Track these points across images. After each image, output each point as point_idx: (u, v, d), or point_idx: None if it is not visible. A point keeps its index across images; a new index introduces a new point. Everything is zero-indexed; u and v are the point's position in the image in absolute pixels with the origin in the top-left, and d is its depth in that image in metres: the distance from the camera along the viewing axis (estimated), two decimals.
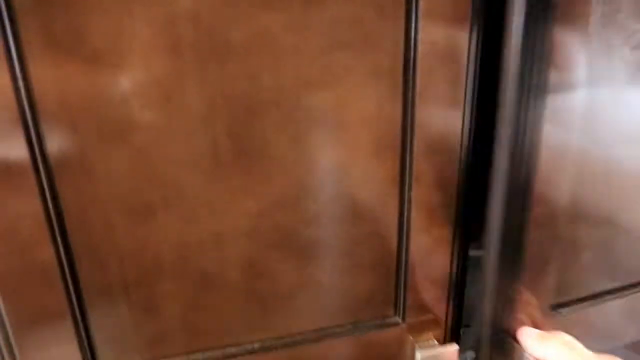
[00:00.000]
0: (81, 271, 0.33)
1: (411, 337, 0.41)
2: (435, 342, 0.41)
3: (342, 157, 0.35)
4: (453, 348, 0.41)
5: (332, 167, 0.35)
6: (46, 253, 0.32)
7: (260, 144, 0.33)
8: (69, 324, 0.33)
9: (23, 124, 0.29)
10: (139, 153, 0.32)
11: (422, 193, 0.37)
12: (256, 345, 0.39)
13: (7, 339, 0.34)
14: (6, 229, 0.31)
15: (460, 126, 0.36)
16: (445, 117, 0.36)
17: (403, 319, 0.41)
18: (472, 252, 0.45)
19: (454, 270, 0.41)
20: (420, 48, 0.33)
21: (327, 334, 0.40)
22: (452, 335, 0.43)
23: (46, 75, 0.29)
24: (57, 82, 0.29)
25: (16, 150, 0.29)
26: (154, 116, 0.31)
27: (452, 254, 0.40)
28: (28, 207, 0.30)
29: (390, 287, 0.40)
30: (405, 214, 0.38)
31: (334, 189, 0.36)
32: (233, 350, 0.38)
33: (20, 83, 0.28)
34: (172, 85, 0.31)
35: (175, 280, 0.35)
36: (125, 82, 0.30)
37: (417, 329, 0.42)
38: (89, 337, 0.35)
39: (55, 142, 0.30)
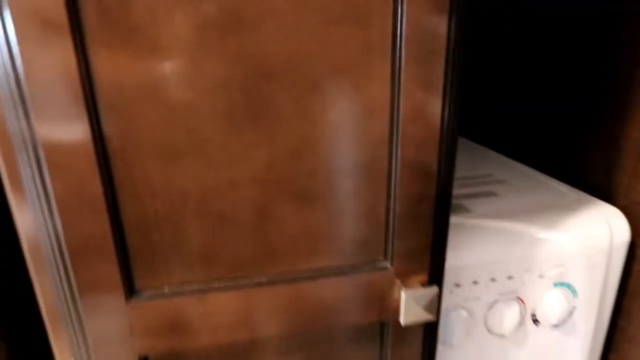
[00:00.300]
0: (122, 203, 0.41)
1: (398, 281, 0.48)
2: (420, 285, 0.47)
3: (339, 118, 0.42)
4: (434, 290, 0.46)
5: (330, 126, 0.42)
6: (95, 187, 0.39)
7: (269, 104, 0.40)
8: (111, 246, 0.41)
9: (82, 87, 0.36)
10: (171, 109, 0.39)
11: (408, 152, 0.43)
12: (263, 279, 0.46)
13: (63, 259, 0.42)
14: (65, 167, 0.39)
15: (441, 93, 0.42)
16: (428, 86, 0.41)
17: (392, 264, 0.47)
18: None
19: (437, 223, 0.47)
20: (405, 25, 0.39)
21: (325, 274, 0.47)
22: (435, 281, 0.48)
23: (100, 49, 0.36)
24: (108, 52, 0.36)
25: (76, 106, 0.37)
26: (183, 79, 0.38)
27: (435, 208, 0.46)
28: (83, 149, 0.38)
29: (381, 235, 0.47)
30: (393, 170, 0.44)
31: (331, 145, 0.42)
32: (243, 281, 0.46)
33: (80, 53, 0.36)
34: (198, 54, 0.38)
35: (197, 217, 0.42)
36: (162, 50, 0.37)
37: (404, 274, 0.48)
38: (127, 259, 0.43)
39: (104, 100, 0.38)
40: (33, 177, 0.39)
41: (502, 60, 0.95)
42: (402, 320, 0.47)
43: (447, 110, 0.43)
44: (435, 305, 0.47)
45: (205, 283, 0.45)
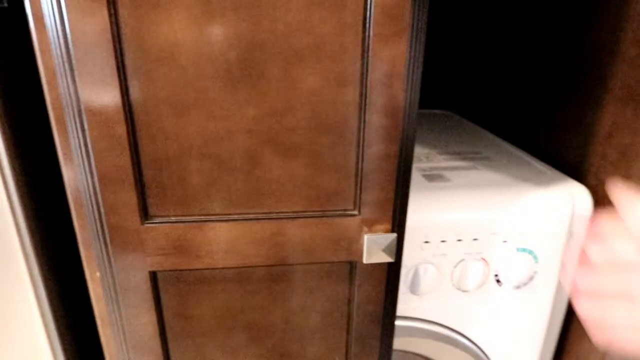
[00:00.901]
0: (141, 145, 0.51)
1: (365, 227, 0.56)
2: (382, 232, 0.56)
3: (318, 84, 0.50)
4: (392, 236, 0.55)
5: (310, 90, 0.51)
6: (121, 130, 0.50)
7: (260, 69, 0.49)
8: (131, 178, 0.52)
9: (114, 51, 0.46)
10: (183, 69, 0.49)
11: (374, 117, 0.52)
12: (251, 216, 0.56)
13: (94, 187, 0.53)
14: (98, 114, 0.49)
15: (404, 66, 0.50)
16: (393, 60, 0.49)
17: (359, 212, 0.56)
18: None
19: (400, 180, 0.55)
20: (374, 8, 0.47)
21: (302, 215, 0.56)
22: (397, 230, 0.57)
23: (128, 20, 0.46)
24: (135, 22, 0.46)
25: (109, 66, 0.47)
26: (192, 44, 0.48)
27: (398, 166, 0.54)
28: (112, 99, 0.49)
29: (351, 187, 0.56)
30: (362, 131, 0.52)
31: (310, 107, 0.51)
32: (235, 217, 0.56)
33: (114, 21, 0.46)
34: (204, 24, 0.47)
35: (199, 160, 0.53)
36: (175, 20, 0.47)
37: (370, 222, 0.56)
38: (143, 190, 0.53)
39: (131, 62, 0.48)
40: (75, 124, 0.50)
41: (505, 57, 1.01)
42: (365, 259, 0.56)
43: (409, 83, 0.51)
44: (394, 249, 0.56)
45: (204, 215, 0.55)
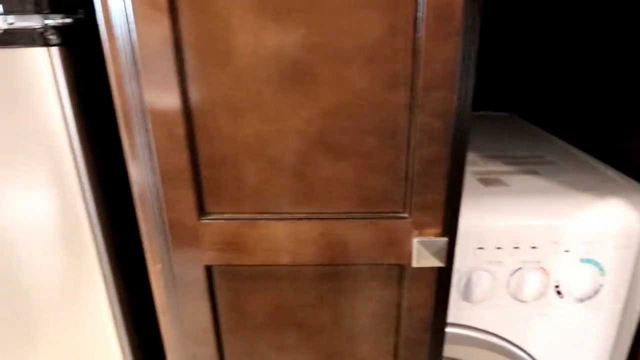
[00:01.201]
0: (198, 144, 0.54)
1: (415, 230, 0.56)
2: (432, 236, 0.55)
3: (368, 86, 0.51)
4: (442, 240, 0.54)
5: (360, 92, 0.51)
6: (180, 130, 0.53)
7: (311, 71, 0.50)
8: (189, 176, 0.55)
9: (175, 55, 0.50)
10: (238, 73, 0.51)
11: (425, 120, 0.51)
12: (302, 215, 0.57)
13: (156, 184, 0.57)
14: (160, 116, 0.52)
15: (456, 67, 0.49)
16: (444, 61, 0.49)
17: (409, 215, 0.56)
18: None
19: (451, 184, 0.54)
20: (424, 9, 0.47)
21: (352, 216, 0.56)
22: (447, 234, 0.56)
23: (188, 26, 0.49)
24: (195, 28, 0.49)
25: (169, 70, 0.50)
26: (247, 49, 0.50)
27: (449, 168, 0.53)
28: (173, 102, 0.52)
29: (401, 189, 0.55)
30: (412, 133, 0.52)
31: (360, 108, 0.52)
32: (287, 216, 0.57)
33: (175, 30, 0.49)
34: (259, 29, 0.49)
35: (253, 160, 0.54)
36: (232, 26, 0.49)
37: (420, 225, 0.56)
38: (200, 188, 0.56)
39: (190, 67, 0.50)
40: (140, 125, 0.53)
41: (573, 55, 0.95)
42: (414, 263, 0.55)
43: (461, 84, 0.49)
44: (444, 254, 0.55)
45: (257, 213, 0.57)
